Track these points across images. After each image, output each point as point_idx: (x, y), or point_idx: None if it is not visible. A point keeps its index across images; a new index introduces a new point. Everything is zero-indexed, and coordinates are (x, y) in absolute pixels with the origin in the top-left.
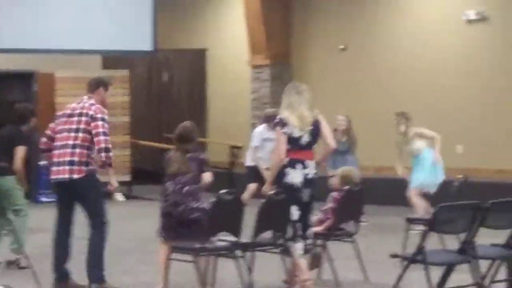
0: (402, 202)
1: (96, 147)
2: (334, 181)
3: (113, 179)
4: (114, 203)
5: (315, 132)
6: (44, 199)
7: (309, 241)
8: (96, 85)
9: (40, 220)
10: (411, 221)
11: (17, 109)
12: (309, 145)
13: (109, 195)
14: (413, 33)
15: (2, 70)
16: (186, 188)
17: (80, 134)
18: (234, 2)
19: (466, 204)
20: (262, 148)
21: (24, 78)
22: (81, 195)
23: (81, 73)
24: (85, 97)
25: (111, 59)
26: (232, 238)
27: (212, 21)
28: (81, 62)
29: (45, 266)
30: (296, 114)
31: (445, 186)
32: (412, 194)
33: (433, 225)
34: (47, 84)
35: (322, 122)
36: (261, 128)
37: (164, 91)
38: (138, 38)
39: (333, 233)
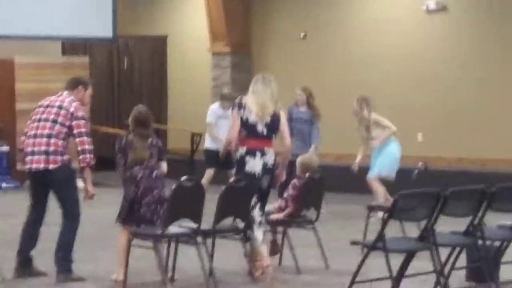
0: (363, 190)
1: (79, 148)
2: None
3: (90, 184)
4: None
5: (273, 125)
6: (4, 185)
7: (264, 227)
8: (75, 84)
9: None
10: (371, 208)
11: None
12: (268, 135)
13: None
14: (374, 22)
15: None
16: (156, 172)
17: (57, 126)
18: None
19: (426, 192)
20: (218, 126)
21: None
22: (56, 185)
23: (41, 59)
24: (65, 92)
25: (71, 45)
26: (192, 225)
27: (172, 8)
28: (41, 48)
29: (4, 252)
30: (259, 102)
31: (405, 173)
32: (372, 181)
33: (393, 212)
34: (6, 70)
35: (282, 118)
36: (215, 106)
37: (125, 78)
38: (99, 24)
39: (294, 220)
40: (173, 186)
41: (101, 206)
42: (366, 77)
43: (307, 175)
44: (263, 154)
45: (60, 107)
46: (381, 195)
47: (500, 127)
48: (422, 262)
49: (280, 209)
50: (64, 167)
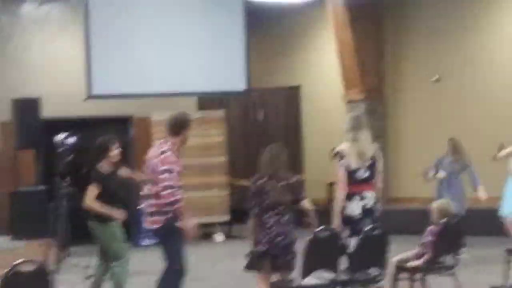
0: (502, 232)
1: (166, 201)
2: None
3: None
4: (214, 244)
5: (373, 168)
6: (145, 242)
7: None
8: (179, 129)
9: (140, 264)
10: (510, 252)
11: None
12: (367, 179)
13: (207, 236)
14: (509, 62)
15: (98, 115)
16: (285, 217)
17: (153, 186)
18: (326, 37)
19: None
20: None
21: (121, 123)
22: (160, 242)
23: None
24: (162, 140)
25: (207, 100)
26: (329, 275)
27: (305, 58)
28: (176, 104)
29: None
30: (356, 147)
31: None
32: (507, 225)
33: None
34: (143, 128)
35: (379, 161)
36: None
37: (260, 130)
38: (232, 78)
39: (432, 266)
40: (309, 237)
41: (240, 259)
42: (504, 118)
43: (444, 220)
44: (361, 197)
45: (151, 164)
46: None
47: None
48: None
49: (418, 256)
50: (165, 226)
